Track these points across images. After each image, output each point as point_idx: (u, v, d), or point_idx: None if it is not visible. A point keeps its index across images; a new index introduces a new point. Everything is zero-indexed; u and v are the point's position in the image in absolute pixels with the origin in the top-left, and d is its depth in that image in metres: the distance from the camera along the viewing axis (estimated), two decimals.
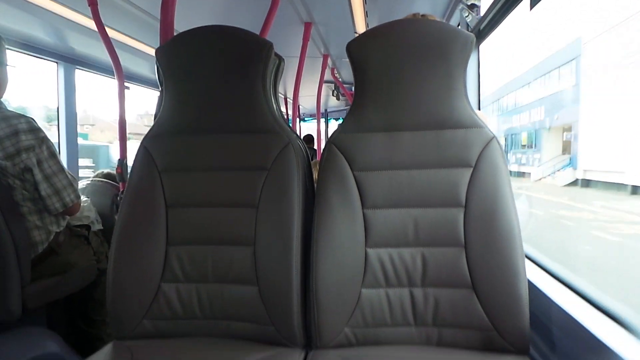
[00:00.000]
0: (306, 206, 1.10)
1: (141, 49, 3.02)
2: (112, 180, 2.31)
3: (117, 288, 1.10)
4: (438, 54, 1.04)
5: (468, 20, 2.19)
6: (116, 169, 2.28)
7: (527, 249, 1.25)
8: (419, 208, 1.05)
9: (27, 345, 1.28)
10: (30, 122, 1.45)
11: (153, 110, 1.74)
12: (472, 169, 1.03)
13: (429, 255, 1.04)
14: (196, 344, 1.06)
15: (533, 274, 1.16)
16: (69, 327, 1.74)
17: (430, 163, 1.05)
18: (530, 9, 1.53)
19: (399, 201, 1.05)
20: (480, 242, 1.01)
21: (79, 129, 2.99)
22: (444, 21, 2.53)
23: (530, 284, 1.01)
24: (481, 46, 2.17)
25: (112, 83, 2.61)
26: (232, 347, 1.04)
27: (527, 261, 1.06)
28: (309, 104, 6.58)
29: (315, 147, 6.03)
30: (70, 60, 2.86)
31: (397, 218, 1.05)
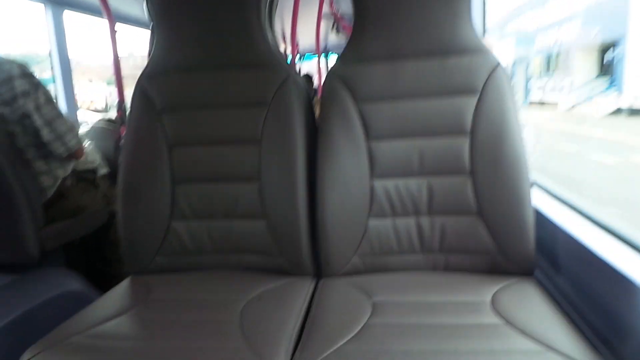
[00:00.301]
0: (309, 140, 1.09)
1: None
2: (114, 124, 2.30)
3: (128, 228, 1.13)
4: None
5: None
6: (116, 112, 2.27)
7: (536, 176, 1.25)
8: (424, 137, 1.04)
9: (49, 284, 1.33)
10: (22, 67, 1.42)
11: (138, 52, 1.69)
12: (477, 96, 1.01)
13: (435, 184, 1.04)
14: (210, 277, 1.10)
15: (540, 201, 1.17)
16: (87, 266, 1.80)
17: (435, 91, 1.03)
18: None
19: (403, 131, 1.04)
20: (486, 169, 1.01)
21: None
22: None
23: (536, 210, 1.02)
24: None
25: (93, 23, 2.51)
26: (244, 278, 1.08)
27: (535, 188, 1.07)
28: (308, 41, 6.36)
29: (316, 85, 5.91)
30: (57, 1, 2.74)
31: (402, 148, 1.05)
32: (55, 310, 1.25)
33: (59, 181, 1.55)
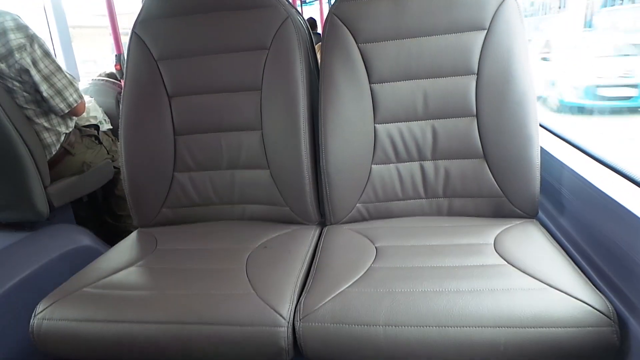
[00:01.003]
0: (311, 84, 1.06)
1: None
2: (114, 79, 2.26)
3: (133, 181, 1.13)
4: None
5: None
6: (115, 65, 2.22)
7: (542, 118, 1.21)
8: (429, 79, 1.01)
9: (60, 240, 1.36)
10: (15, 19, 1.37)
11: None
12: (485, 32, 0.97)
13: (440, 127, 1.02)
14: (216, 227, 1.11)
15: (547, 141, 1.14)
16: (96, 222, 1.84)
17: (440, 28, 0.98)
18: None
19: (407, 73, 1.01)
20: (492, 110, 0.98)
21: None
22: None
23: (542, 150, 1.00)
24: None
25: None
26: (249, 227, 1.09)
27: (541, 130, 1.04)
28: None
29: (320, 31, 5.72)
30: None
31: (405, 91, 1.01)
32: (66, 265, 1.28)
33: (62, 137, 1.54)
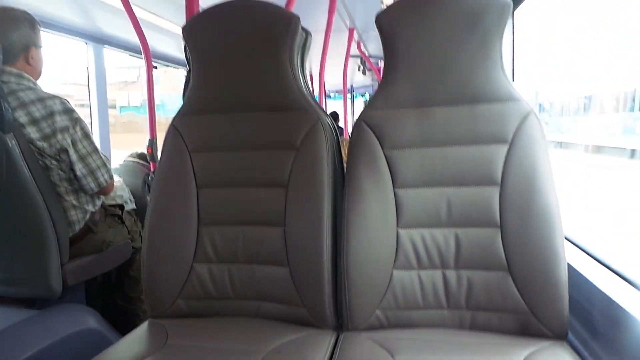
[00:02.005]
0: (336, 185, 1.08)
1: (168, 28, 3.02)
2: (144, 160, 2.36)
3: (151, 268, 1.12)
4: (472, 23, 0.99)
5: None
6: (147, 149, 2.32)
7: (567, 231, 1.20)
8: (453, 187, 1.02)
9: (68, 321, 1.33)
10: (64, 103, 1.47)
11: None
12: (508, 145, 0.99)
13: (463, 236, 1.01)
14: (228, 324, 1.08)
15: (573, 256, 1.11)
16: (106, 303, 1.80)
17: (464, 139, 1.01)
18: None
19: (431, 180, 1.02)
20: (517, 222, 0.97)
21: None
22: None
23: (569, 267, 0.97)
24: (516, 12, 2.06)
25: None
26: (263, 327, 1.05)
27: (567, 243, 1.02)
28: (334, 79, 6.49)
29: (342, 124, 5.98)
30: (98, 40, 2.88)
31: (429, 197, 1.02)
32: (72, 349, 1.24)
33: (88, 215, 1.58)
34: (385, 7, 1.07)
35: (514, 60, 2.10)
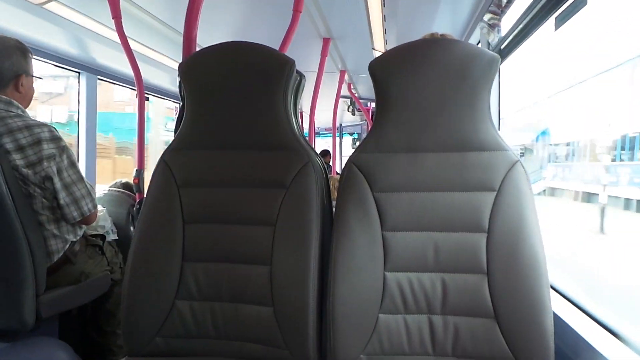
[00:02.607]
0: (324, 226, 1.08)
1: (163, 61, 3.07)
2: (129, 191, 2.33)
3: (131, 303, 1.09)
4: (462, 74, 1.02)
5: (490, 40, 2.18)
6: (133, 179, 2.30)
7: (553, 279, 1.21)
8: (441, 232, 1.02)
9: (39, 356, 1.27)
10: (52, 130, 1.46)
11: None
12: (495, 193, 1.01)
13: (450, 281, 1.01)
14: None
15: (559, 306, 1.12)
16: (80, 337, 1.73)
17: (453, 186, 1.03)
18: (555, 29, 1.50)
19: (419, 224, 1.03)
20: (503, 269, 0.98)
21: None
22: (464, 40, 2.52)
23: (555, 316, 0.98)
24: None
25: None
26: None
27: (553, 293, 1.03)
28: (324, 118, 6.60)
29: (331, 162, 6.03)
30: (92, 70, 2.91)
31: (417, 241, 1.03)
32: None
33: (68, 245, 1.54)
34: (376, 53, 1.11)
35: (500, 111, 2.18)
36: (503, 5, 2.00)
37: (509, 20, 1.99)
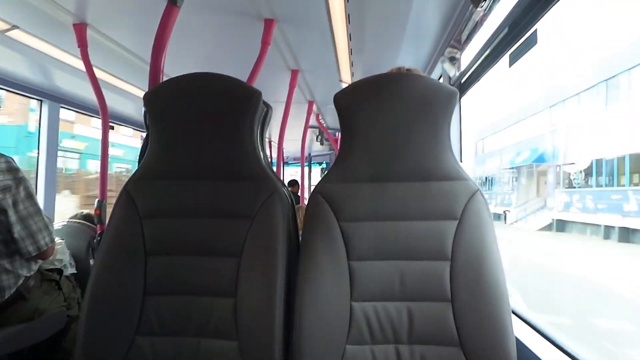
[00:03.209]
0: (290, 255, 1.07)
1: (129, 90, 3.03)
2: (90, 222, 2.25)
3: (88, 339, 1.04)
4: (423, 107, 1.06)
5: (450, 74, 2.28)
6: (94, 210, 2.23)
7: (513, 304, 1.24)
8: (405, 260, 1.04)
9: None
10: (9, 162, 1.41)
11: None
12: (457, 222, 1.03)
13: (415, 309, 1.01)
14: None
15: (520, 331, 1.14)
16: None
17: (416, 215, 1.05)
18: (510, 65, 1.59)
19: (385, 253, 1.04)
20: (467, 297, 0.99)
21: None
22: (426, 74, 2.62)
23: (517, 341, 0.99)
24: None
25: None
26: None
27: (514, 317, 1.05)
28: (293, 147, 6.64)
29: (299, 193, 6.03)
30: (55, 98, 2.84)
31: (383, 270, 1.03)
32: None
33: (21, 281, 1.46)
34: (343, 85, 1.14)
35: (462, 143, 2.26)
36: (462, 41, 2.10)
37: (468, 56, 2.08)
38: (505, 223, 19.65)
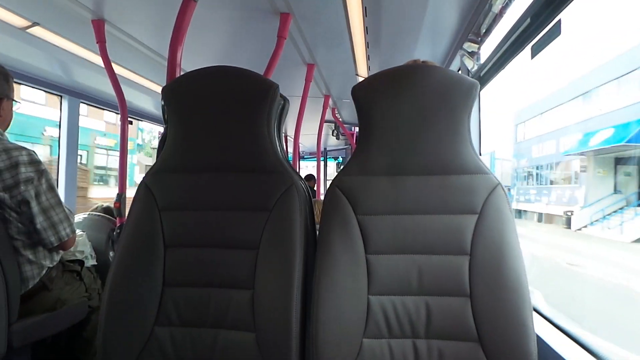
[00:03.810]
0: (307, 249, 1.07)
1: (147, 85, 3.07)
2: (110, 215, 2.29)
3: (108, 330, 1.06)
4: (442, 100, 1.05)
5: (469, 67, 2.24)
6: (114, 203, 2.26)
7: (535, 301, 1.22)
8: (424, 255, 1.02)
9: None
10: (31, 154, 1.44)
11: None
12: (477, 216, 1.02)
13: (434, 304, 1.00)
14: None
15: (542, 328, 1.12)
16: None
17: (435, 209, 1.04)
18: (532, 57, 1.56)
19: (402, 247, 1.03)
20: (486, 292, 0.98)
21: None
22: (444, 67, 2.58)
23: (539, 338, 0.98)
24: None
25: None
26: None
27: (535, 315, 1.03)
28: (309, 142, 6.64)
29: (315, 187, 6.04)
30: (75, 94, 2.89)
31: (400, 264, 1.03)
32: None
33: (44, 271, 1.50)
34: (359, 79, 1.13)
35: (481, 136, 2.22)
36: (482, 34, 2.07)
37: (488, 48, 2.05)
38: (571, 229, 13.21)
